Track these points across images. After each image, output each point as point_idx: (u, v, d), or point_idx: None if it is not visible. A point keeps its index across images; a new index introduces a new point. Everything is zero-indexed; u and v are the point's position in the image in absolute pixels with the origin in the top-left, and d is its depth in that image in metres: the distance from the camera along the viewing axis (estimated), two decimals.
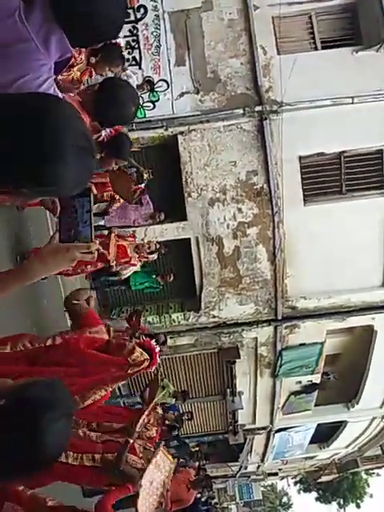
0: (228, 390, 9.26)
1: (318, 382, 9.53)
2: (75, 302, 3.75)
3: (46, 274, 1.33)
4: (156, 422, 4.54)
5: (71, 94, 2.54)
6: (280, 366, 8.86)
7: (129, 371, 3.08)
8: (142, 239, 6.97)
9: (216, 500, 15.61)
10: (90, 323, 3.46)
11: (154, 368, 3.29)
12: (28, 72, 1.39)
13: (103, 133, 3.53)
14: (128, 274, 6.38)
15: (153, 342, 3.39)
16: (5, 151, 0.95)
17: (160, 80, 7.05)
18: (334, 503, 27.45)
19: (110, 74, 4.28)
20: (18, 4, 1.38)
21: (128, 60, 6.92)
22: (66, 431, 1.18)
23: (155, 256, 6.31)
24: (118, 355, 3.04)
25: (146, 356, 3.15)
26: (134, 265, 5.86)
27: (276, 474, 18.19)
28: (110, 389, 3.12)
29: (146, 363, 3.14)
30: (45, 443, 1.11)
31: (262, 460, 13.29)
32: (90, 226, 1.32)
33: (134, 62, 6.98)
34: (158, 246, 6.31)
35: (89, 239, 1.32)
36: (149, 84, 6.90)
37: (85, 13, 1.40)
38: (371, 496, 26.81)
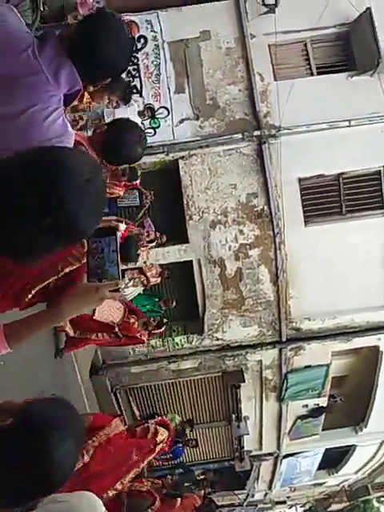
0: (233, 415, 9.08)
1: (324, 405, 9.35)
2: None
3: (76, 313, 1.40)
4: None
5: (79, 134, 2.62)
6: (286, 390, 8.71)
7: (156, 449, 3.49)
8: (145, 262, 6.99)
9: None
10: (103, 425, 3.49)
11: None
12: (37, 102, 1.46)
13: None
14: (131, 297, 6.38)
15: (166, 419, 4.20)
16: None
17: (160, 107, 7.23)
18: None
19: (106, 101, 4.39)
20: (31, 41, 1.49)
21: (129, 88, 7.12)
22: (75, 451, 1.17)
23: (158, 280, 6.32)
24: (145, 438, 3.44)
25: (166, 432, 3.61)
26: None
27: (284, 502, 17.60)
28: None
29: (166, 436, 3.63)
30: (52, 462, 1.09)
31: (270, 487, 12.90)
32: (117, 265, 1.37)
33: (134, 90, 7.17)
34: (161, 270, 6.33)
35: (116, 278, 1.38)
36: (150, 111, 7.08)
37: (96, 49, 1.50)
38: None
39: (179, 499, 5.49)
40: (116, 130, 2.51)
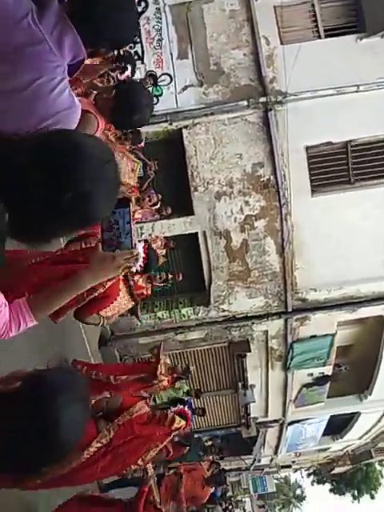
0: (239, 384, 9.25)
1: (329, 373, 9.49)
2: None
3: (95, 282, 1.45)
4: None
5: (85, 100, 2.53)
6: (291, 359, 8.83)
7: (171, 435, 3.76)
8: (150, 234, 6.97)
9: (230, 493, 15.67)
10: (131, 405, 3.66)
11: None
12: (42, 74, 1.39)
13: None
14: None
15: (186, 408, 4.49)
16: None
17: (163, 74, 7.02)
18: (348, 494, 27.41)
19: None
20: (30, 7, 1.39)
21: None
22: (81, 417, 1.17)
23: (164, 252, 6.31)
24: (162, 424, 3.68)
25: (183, 421, 3.89)
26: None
27: (289, 466, 18.21)
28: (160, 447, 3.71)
29: (183, 424, 3.91)
30: (58, 426, 1.10)
31: (276, 453, 13.30)
32: (131, 236, 1.43)
33: (136, 57, 6.94)
34: (166, 241, 6.30)
35: (130, 248, 1.44)
36: (152, 78, 6.86)
37: (104, 15, 1.42)
38: None
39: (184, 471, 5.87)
40: (127, 93, 2.42)
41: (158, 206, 6.19)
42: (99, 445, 3.24)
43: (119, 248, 1.42)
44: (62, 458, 1.18)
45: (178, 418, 3.78)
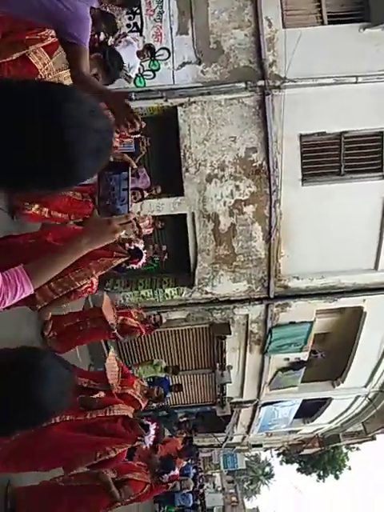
0: (217, 364, 9.45)
1: (305, 359, 9.74)
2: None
3: (91, 247, 1.40)
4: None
5: None
6: (269, 343, 9.03)
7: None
8: (138, 212, 6.92)
9: (201, 468, 16.17)
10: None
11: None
12: None
13: None
14: None
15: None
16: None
17: (161, 48, 6.83)
18: (314, 475, 28.57)
19: None
20: None
21: (129, 26, 6.69)
22: (66, 380, 1.20)
23: (151, 230, 6.30)
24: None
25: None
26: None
27: (260, 445, 18.82)
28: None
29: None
30: (44, 386, 1.13)
31: (248, 432, 13.71)
32: (128, 203, 1.39)
33: (134, 29, 6.74)
34: (153, 221, 6.28)
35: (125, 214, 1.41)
36: (149, 50, 6.66)
37: None
38: (349, 468, 27.93)
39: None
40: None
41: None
42: None
43: (115, 214, 1.39)
44: (50, 416, 1.21)
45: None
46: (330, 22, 7.29)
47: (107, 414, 3.50)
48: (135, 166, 3.96)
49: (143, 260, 4.48)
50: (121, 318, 5.38)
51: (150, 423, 3.70)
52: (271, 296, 8.29)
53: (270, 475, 34.50)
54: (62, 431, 3.23)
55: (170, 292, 8.17)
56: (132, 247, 4.29)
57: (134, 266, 4.37)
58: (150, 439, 3.67)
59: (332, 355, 10.29)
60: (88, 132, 0.91)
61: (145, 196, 5.94)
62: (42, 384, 1.13)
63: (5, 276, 1.29)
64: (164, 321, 6.23)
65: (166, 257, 7.23)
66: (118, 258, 3.54)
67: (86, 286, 3.62)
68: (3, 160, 0.88)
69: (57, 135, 0.87)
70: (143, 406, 4.51)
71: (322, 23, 7.31)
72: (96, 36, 3.92)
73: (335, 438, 15.89)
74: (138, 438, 3.55)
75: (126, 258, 3.84)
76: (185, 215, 7.62)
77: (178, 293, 8.17)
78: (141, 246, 4.47)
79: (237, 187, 7.51)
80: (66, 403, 1.21)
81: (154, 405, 8.11)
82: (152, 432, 3.70)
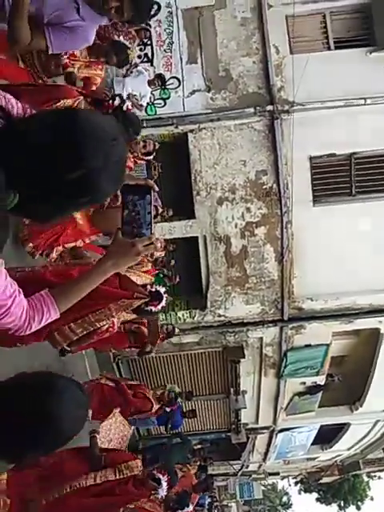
0: (232, 389, 9.26)
1: (322, 383, 9.51)
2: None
3: (116, 269, 1.43)
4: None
5: None
6: (285, 367, 8.85)
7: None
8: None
9: (216, 498, 15.66)
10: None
11: None
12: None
13: None
14: None
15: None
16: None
17: (171, 77, 7.04)
18: (335, 505, 27.40)
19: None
20: None
21: (140, 57, 6.92)
22: (82, 403, 1.21)
23: (163, 253, 6.32)
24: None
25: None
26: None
27: (277, 473, 18.18)
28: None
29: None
30: (60, 408, 1.13)
31: (264, 459, 13.30)
32: (151, 226, 1.41)
33: (145, 59, 6.98)
34: (165, 244, 6.31)
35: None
36: (160, 79, 6.87)
37: None
38: (372, 499, 26.75)
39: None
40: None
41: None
42: None
43: (139, 237, 1.41)
44: (57, 447, 1.21)
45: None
46: (336, 47, 7.45)
47: (117, 477, 3.43)
48: (157, 189, 4.03)
49: (163, 303, 4.47)
50: (134, 326, 5.30)
51: (161, 476, 3.63)
52: (285, 318, 8.18)
53: (288, 505, 33.23)
54: (79, 499, 3.20)
55: (183, 315, 8.12)
56: (153, 289, 4.30)
57: (153, 309, 4.35)
58: (163, 491, 3.63)
59: (349, 379, 10.03)
60: None
61: (157, 219, 5.99)
62: (59, 406, 1.13)
63: (31, 301, 1.31)
64: (176, 331, 6.12)
65: (178, 280, 7.23)
66: (139, 299, 3.49)
67: (106, 326, 3.59)
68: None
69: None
70: (155, 407, 4.48)
71: (329, 48, 7.48)
72: (111, 102, 3.93)
73: (355, 466, 15.30)
74: (152, 492, 3.50)
75: (146, 300, 3.80)
76: (196, 238, 7.66)
77: (191, 316, 8.13)
78: (162, 289, 4.46)
79: (248, 209, 7.54)
80: (81, 426, 1.21)
81: (167, 432, 7.96)
82: (164, 485, 3.65)
